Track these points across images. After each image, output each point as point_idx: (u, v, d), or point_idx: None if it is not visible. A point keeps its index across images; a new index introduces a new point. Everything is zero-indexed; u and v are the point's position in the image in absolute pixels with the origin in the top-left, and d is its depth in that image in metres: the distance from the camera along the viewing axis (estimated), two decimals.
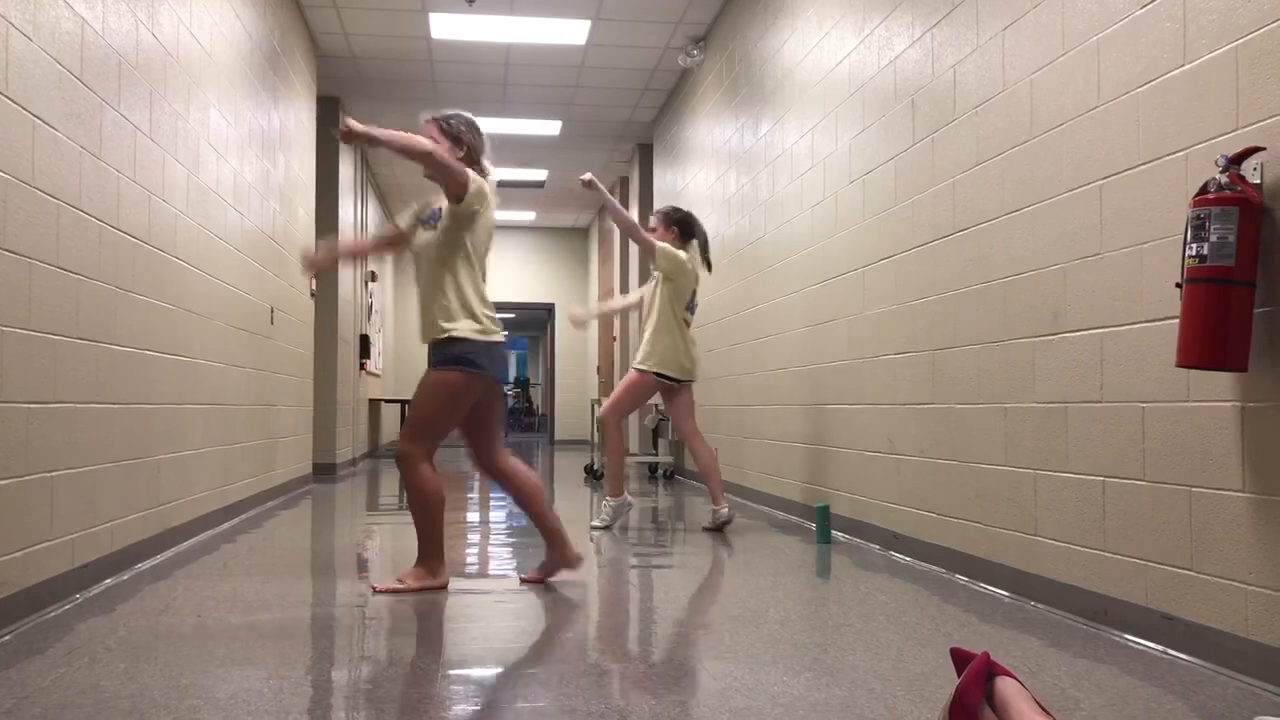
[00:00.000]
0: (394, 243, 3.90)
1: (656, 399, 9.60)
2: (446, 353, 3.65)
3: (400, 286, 16.39)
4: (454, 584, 3.83)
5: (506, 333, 3.77)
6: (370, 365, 12.65)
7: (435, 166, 3.57)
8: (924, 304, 4.27)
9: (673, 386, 5.57)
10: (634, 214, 11.68)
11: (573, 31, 8.19)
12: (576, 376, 17.03)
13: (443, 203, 3.74)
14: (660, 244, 5.52)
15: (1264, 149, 2.46)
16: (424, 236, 3.76)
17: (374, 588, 3.66)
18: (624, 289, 12.35)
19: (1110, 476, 3.04)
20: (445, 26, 8.09)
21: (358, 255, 3.98)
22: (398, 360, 16.44)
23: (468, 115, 3.86)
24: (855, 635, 2.99)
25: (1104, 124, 3.08)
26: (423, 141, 3.54)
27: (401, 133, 3.49)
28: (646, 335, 5.54)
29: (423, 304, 3.74)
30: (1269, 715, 1.35)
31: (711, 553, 4.62)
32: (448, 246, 3.70)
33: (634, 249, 11.61)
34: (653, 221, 5.71)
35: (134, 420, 4.13)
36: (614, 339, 13.11)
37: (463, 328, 3.66)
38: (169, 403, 4.59)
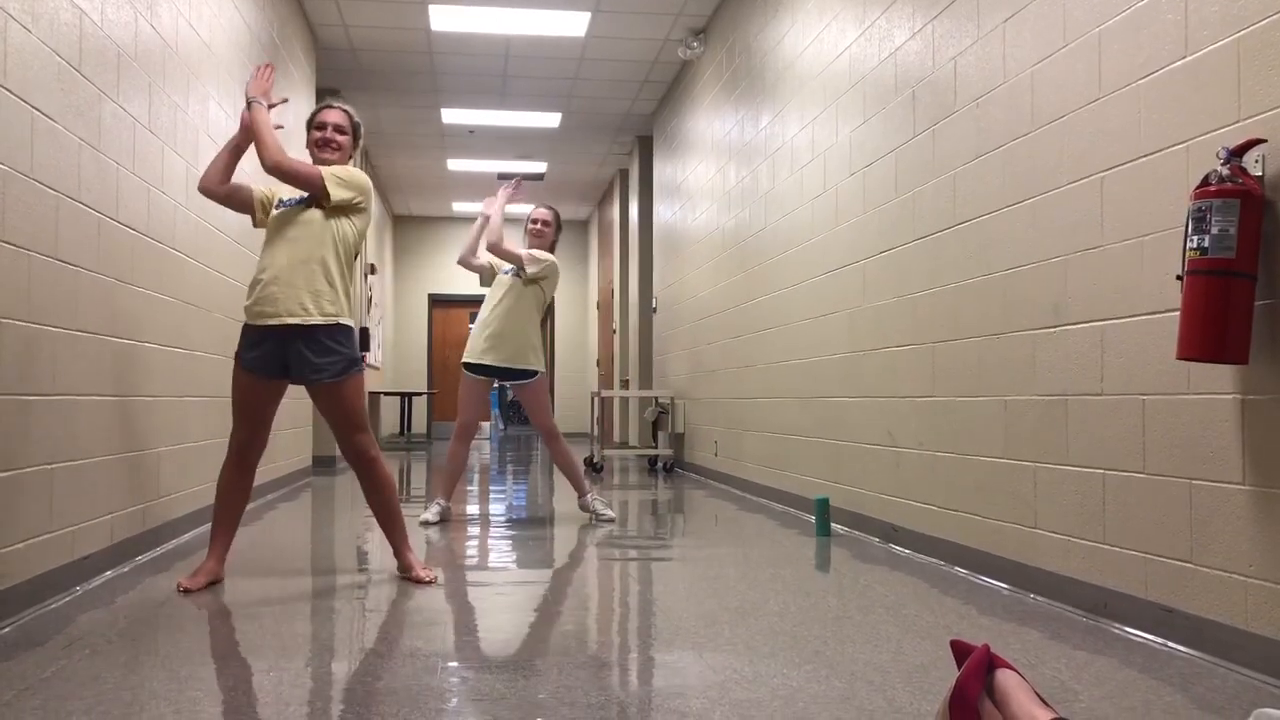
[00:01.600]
0: (242, 193, 3.73)
1: (658, 393, 9.60)
2: (343, 354, 3.63)
3: (399, 280, 16.38)
4: (453, 576, 3.82)
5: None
6: (369, 358, 12.64)
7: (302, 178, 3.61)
8: (924, 296, 4.27)
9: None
10: (634, 208, 11.68)
11: (572, 23, 8.17)
12: (576, 369, 17.03)
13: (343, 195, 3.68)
14: (538, 253, 5.55)
15: (1265, 141, 2.46)
16: (296, 215, 3.65)
17: (419, 576, 3.68)
18: (625, 282, 12.34)
19: (1110, 469, 3.04)
20: (444, 18, 8.07)
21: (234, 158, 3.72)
22: (397, 354, 16.43)
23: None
24: (855, 628, 2.99)
25: (1105, 116, 3.07)
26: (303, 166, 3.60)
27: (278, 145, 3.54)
28: (532, 335, 5.53)
29: (302, 278, 3.59)
30: (1269, 708, 1.35)
31: (710, 545, 4.63)
32: (344, 239, 3.73)
33: (634, 243, 11.60)
34: (547, 216, 5.70)
35: (133, 412, 4.13)
36: (613, 331, 13.11)
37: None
38: (168, 395, 4.59)
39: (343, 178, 3.64)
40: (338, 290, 3.64)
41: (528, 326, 5.52)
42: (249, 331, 3.63)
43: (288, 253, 3.59)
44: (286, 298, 3.55)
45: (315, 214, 3.64)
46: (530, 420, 5.64)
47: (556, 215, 5.78)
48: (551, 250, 5.71)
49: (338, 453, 9.59)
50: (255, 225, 3.79)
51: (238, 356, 3.64)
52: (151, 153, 4.36)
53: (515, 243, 5.55)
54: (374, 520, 5.52)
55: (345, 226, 3.68)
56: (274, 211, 3.70)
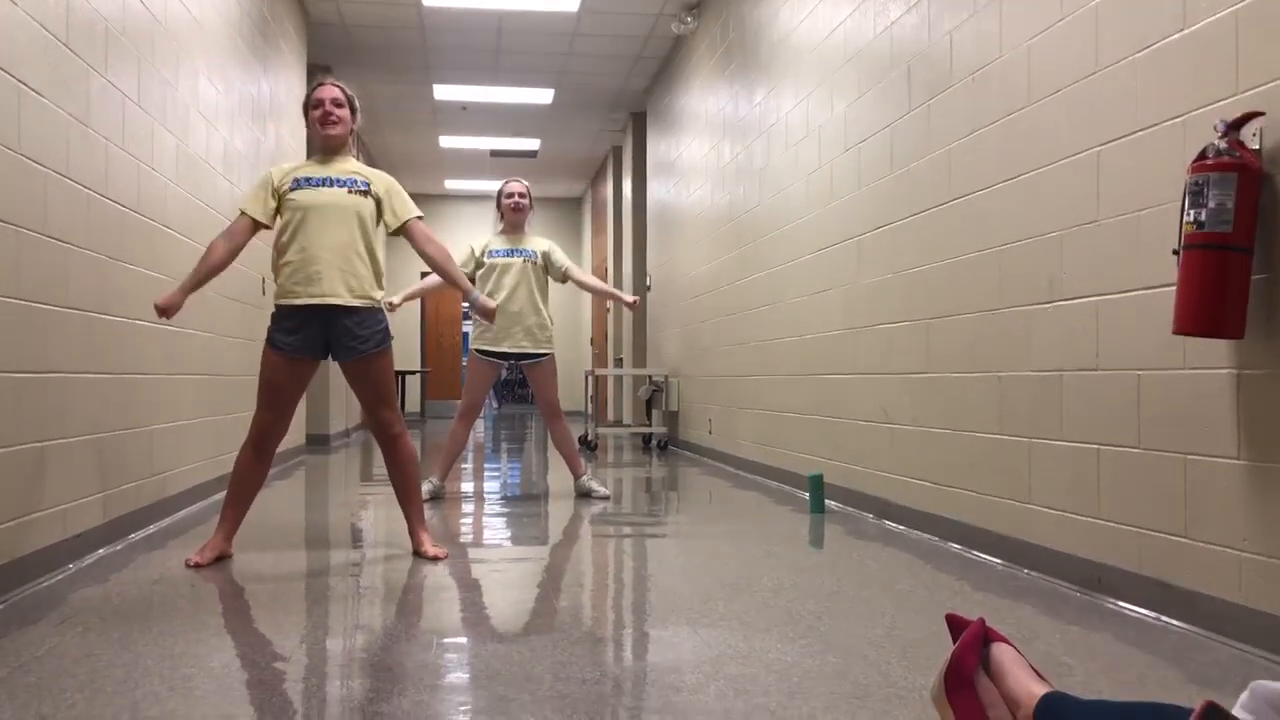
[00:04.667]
0: (237, 250, 3.69)
1: (652, 371, 9.59)
2: (383, 326, 3.74)
3: (392, 259, 16.31)
4: (449, 553, 3.82)
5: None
6: None
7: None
8: (919, 273, 4.26)
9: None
10: (628, 185, 11.64)
11: None
12: (570, 348, 17.01)
13: (360, 172, 3.75)
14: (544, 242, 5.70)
15: (1263, 114, 2.44)
16: (324, 196, 3.65)
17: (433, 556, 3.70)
18: (618, 259, 12.31)
19: (1105, 444, 3.04)
20: None
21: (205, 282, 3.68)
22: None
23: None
24: (849, 603, 2.99)
25: (1102, 90, 3.05)
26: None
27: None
28: (547, 315, 5.56)
29: (340, 259, 3.63)
30: (1265, 681, 1.35)
31: (705, 522, 4.63)
32: (372, 224, 3.75)
33: (628, 222, 11.57)
34: (524, 189, 5.73)
35: (125, 390, 4.11)
36: (607, 310, 13.09)
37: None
38: (160, 373, 4.57)
39: (406, 201, 3.82)
40: (374, 271, 3.73)
41: (544, 307, 5.55)
42: (286, 314, 3.64)
43: (324, 234, 3.62)
44: (330, 278, 3.61)
45: (343, 195, 3.68)
46: (535, 396, 5.64)
47: (529, 188, 5.80)
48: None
49: (331, 430, 9.59)
50: (269, 228, 3.74)
51: (269, 341, 3.65)
52: (141, 129, 4.32)
53: (581, 271, 5.67)
54: (368, 498, 5.52)
55: (368, 206, 3.72)
56: (293, 192, 3.66)
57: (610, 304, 12.71)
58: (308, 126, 3.78)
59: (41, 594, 3.10)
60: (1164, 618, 2.77)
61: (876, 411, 4.71)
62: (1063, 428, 3.25)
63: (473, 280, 5.56)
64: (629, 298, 5.73)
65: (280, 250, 3.66)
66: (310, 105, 3.77)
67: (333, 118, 3.72)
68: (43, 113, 3.32)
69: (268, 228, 3.72)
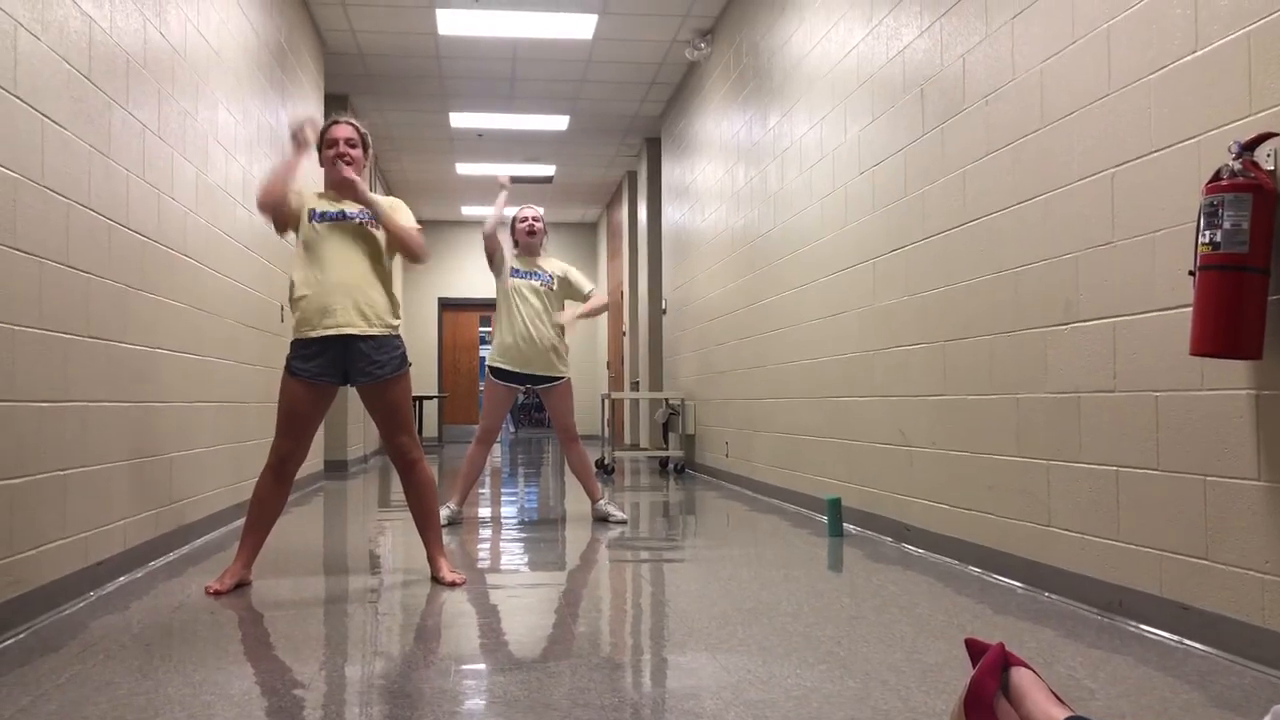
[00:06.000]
0: (287, 207, 3.74)
1: (669, 395, 9.59)
2: (400, 352, 3.77)
3: (409, 285, 16.41)
4: (467, 578, 3.82)
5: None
6: None
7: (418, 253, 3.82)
8: (935, 295, 4.26)
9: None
10: (642, 209, 11.68)
11: (579, 26, 8.17)
12: (586, 372, 17.04)
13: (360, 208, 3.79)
14: (572, 271, 5.72)
15: (1277, 135, 2.44)
16: (338, 230, 3.73)
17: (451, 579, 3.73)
18: (634, 283, 12.34)
19: (1124, 466, 3.02)
20: (452, 22, 8.08)
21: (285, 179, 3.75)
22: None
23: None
24: (868, 627, 2.98)
25: (1115, 112, 3.06)
26: (416, 237, 3.78)
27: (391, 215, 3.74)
28: (562, 339, 5.63)
29: (354, 291, 3.69)
30: None
31: (722, 546, 4.62)
32: (385, 254, 3.83)
33: (643, 244, 11.60)
34: (540, 213, 5.75)
35: (145, 418, 4.14)
36: (623, 333, 13.11)
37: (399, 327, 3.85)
38: (180, 401, 4.60)
39: (408, 216, 3.85)
40: (390, 300, 3.79)
41: (559, 332, 5.58)
42: (304, 344, 3.69)
43: (337, 267, 3.69)
44: (345, 309, 3.67)
45: (355, 227, 3.74)
46: (552, 421, 5.69)
47: (542, 214, 5.86)
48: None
49: (349, 456, 9.62)
50: (282, 235, 3.83)
51: (288, 368, 3.70)
52: (161, 159, 4.37)
53: (587, 284, 5.66)
54: (386, 523, 5.53)
55: (379, 237, 3.79)
56: (308, 224, 3.74)
57: (625, 330, 12.73)
58: (321, 163, 3.83)
59: (63, 622, 3.12)
60: (1186, 641, 2.75)
61: (894, 434, 4.70)
62: (1081, 449, 3.23)
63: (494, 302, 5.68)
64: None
65: (295, 284, 3.71)
66: (325, 143, 3.82)
67: (347, 158, 3.78)
68: (65, 144, 3.37)
69: (288, 211, 3.72)
